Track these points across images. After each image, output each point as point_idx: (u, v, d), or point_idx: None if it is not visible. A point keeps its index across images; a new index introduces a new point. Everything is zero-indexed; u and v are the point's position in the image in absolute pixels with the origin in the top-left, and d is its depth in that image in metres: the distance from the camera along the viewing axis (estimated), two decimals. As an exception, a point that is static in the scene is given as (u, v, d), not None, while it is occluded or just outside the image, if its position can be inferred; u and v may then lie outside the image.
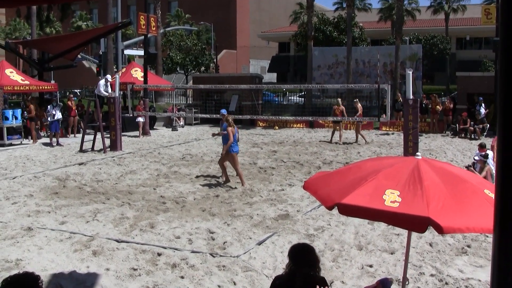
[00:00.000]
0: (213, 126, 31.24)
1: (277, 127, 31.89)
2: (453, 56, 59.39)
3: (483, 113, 27.47)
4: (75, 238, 10.16)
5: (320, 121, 28.78)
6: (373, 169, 5.17)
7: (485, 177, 13.17)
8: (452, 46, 59.99)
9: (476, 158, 14.36)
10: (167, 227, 10.86)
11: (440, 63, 55.23)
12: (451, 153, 21.76)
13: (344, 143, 24.84)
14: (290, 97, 42.36)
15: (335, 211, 5.07)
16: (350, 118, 24.74)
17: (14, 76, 27.96)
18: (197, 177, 16.55)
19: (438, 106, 29.39)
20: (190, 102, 40.89)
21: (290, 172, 17.22)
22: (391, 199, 4.64)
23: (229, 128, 14.54)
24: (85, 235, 10.32)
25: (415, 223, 4.48)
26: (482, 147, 14.51)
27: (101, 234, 10.40)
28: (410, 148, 17.89)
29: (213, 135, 17.29)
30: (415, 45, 45.80)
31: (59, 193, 14.26)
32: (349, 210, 4.76)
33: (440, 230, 4.37)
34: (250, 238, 10.16)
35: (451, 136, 27.50)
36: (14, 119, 24.83)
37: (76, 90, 54.15)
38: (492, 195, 4.77)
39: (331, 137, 25.38)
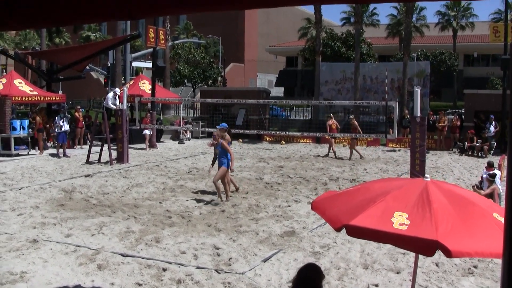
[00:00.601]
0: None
1: (283, 142, 31.87)
2: (460, 73, 59.42)
3: (492, 131, 27.39)
4: (80, 252, 10.15)
5: (327, 137, 28.72)
6: (382, 190, 5.16)
7: (490, 195, 13.12)
8: (460, 63, 60.03)
9: (484, 176, 14.32)
10: (172, 242, 10.84)
11: (447, 80, 55.26)
12: (458, 171, 21.69)
13: (339, 158, 24.82)
14: (297, 113, 42.36)
15: (341, 230, 5.05)
16: (347, 134, 24.73)
17: (22, 86, 28.13)
18: (203, 191, 16.54)
19: (441, 123, 29.30)
20: (197, 115, 40.96)
21: (296, 188, 17.18)
22: (400, 221, 4.62)
23: (224, 143, 14.52)
24: (91, 249, 10.31)
25: (424, 247, 4.46)
26: (490, 165, 14.45)
27: (106, 248, 10.38)
28: (417, 165, 17.84)
29: (211, 144, 16.61)
30: (423, 61, 45.83)
31: (65, 205, 14.26)
32: (357, 232, 4.74)
33: (448, 254, 4.34)
34: (256, 254, 10.12)
35: (458, 154, 27.41)
36: (21, 129, 24.91)
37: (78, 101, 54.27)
38: (501, 219, 4.74)
39: (329, 152, 25.33)
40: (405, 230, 4.53)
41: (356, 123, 25.34)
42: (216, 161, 15.22)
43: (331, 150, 26.01)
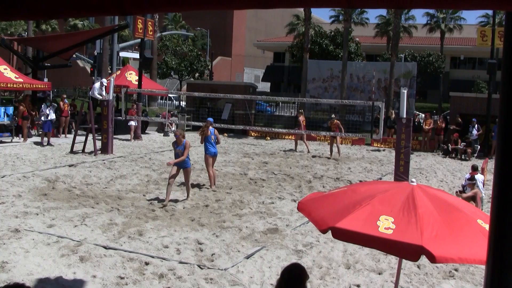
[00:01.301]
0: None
1: (268, 138, 31.91)
2: (446, 75, 59.75)
3: (475, 134, 27.57)
4: (63, 243, 10.11)
5: (312, 135, 28.80)
6: (368, 193, 5.18)
7: (472, 198, 13.23)
8: (446, 65, 60.35)
9: (464, 182, 14.44)
10: (155, 236, 10.83)
11: (433, 81, 55.53)
12: (441, 173, 21.82)
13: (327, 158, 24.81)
14: (283, 109, 42.36)
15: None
16: (343, 133, 24.77)
17: (8, 73, 27.83)
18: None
19: (426, 126, 29.49)
20: (183, 107, 40.88)
21: (280, 185, 17.20)
22: (385, 225, 4.65)
23: (188, 144, 14.25)
24: (73, 240, 10.28)
25: (408, 251, 4.49)
26: (474, 169, 14.55)
27: (89, 240, 10.35)
28: (401, 166, 17.91)
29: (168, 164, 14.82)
30: (410, 62, 45.98)
31: (48, 195, 14.19)
32: (342, 235, 4.76)
33: (432, 259, 4.38)
34: (239, 251, 10.13)
35: (441, 156, 27.58)
36: (5, 116, 24.73)
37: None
38: (485, 226, 4.79)
39: (331, 153, 25.17)
40: (391, 234, 4.55)
41: (338, 122, 25.27)
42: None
43: (304, 146, 26.61)
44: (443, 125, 29.65)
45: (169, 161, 14.50)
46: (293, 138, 30.82)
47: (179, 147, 13.98)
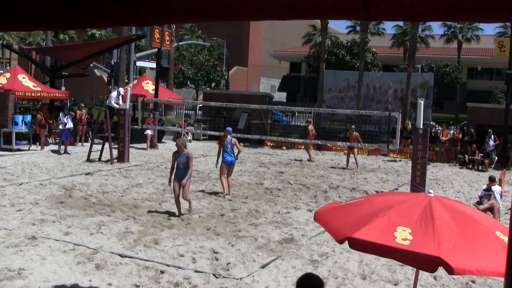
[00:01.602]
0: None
1: (284, 148, 31.88)
2: (463, 85, 59.47)
3: (491, 145, 27.38)
4: (79, 250, 10.15)
5: (328, 145, 28.75)
6: (385, 204, 5.16)
7: (490, 209, 13.13)
8: (463, 75, 60.08)
9: (480, 193, 14.33)
10: (171, 244, 10.84)
11: (450, 92, 55.30)
12: (458, 184, 21.68)
13: (343, 168, 24.68)
14: (299, 119, 42.31)
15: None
16: (361, 144, 24.66)
17: (26, 82, 28.15)
18: (203, 194, 16.53)
19: (443, 137, 29.33)
20: (199, 118, 41.00)
21: (296, 195, 17.17)
22: (403, 236, 4.62)
23: (190, 152, 13.64)
24: (89, 248, 10.31)
25: (426, 263, 4.46)
26: (491, 180, 14.44)
27: (104, 248, 10.38)
28: (418, 177, 17.82)
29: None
30: (426, 73, 45.86)
31: (64, 203, 14.26)
32: (359, 245, 4.74)
33: (450, 271, 4.34)
34: (254, 260, 10.11)
35: (458, 167, 27.40)
36: (23, 124, 24.93)
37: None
38: (504, 238, 4.75)
39: (347, 163, 25.08)
40: (408, 245, 4.53)
41: (357, 134, 25.00)
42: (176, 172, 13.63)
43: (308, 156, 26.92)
44: (460, 136, 29.47)
45: (183, 180, 13.29)
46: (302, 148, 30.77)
47: (180, 157, 13.34)
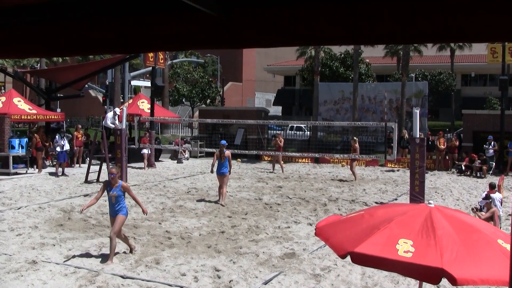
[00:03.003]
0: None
1: (282, 162, 31.89)
2: (458, 93, 59.55)
3: (491, 152, 27.41)
4: (80, 273, 10.10)
5: (326, 157, 28.75)
6: (386, 217, 5.15)
7: (490, 219, 13.10)
8: (457, 83, 60.20)
9: (480, 202, 14.28)
10: (172, 264, 10.80)
11: (445, 99, 55.37)
12: (457, 191, 21.68)
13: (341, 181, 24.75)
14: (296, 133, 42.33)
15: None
16: (347, 155, 24.82)
17: (21, 105, 28.12)
18: (202, 212, 16.51)
19: (441, 145, 29.36)
20: (196, 135, 41.00)
21: (295, 209, 17.15)
22: (405, 249, 4.61)
23: (126, 185, 11.65)
24: (90, 270, 10.26)
25: (429, 274, 4.46)
26: (491, 187, 14.41)
27: (106, 270, 10.33)
28: (417, 186, 17.81)
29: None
30: (421, 82, 45.96)
31: (64, 225, 14.21)
32: (362, 259, 4.74)
33: (454, 282, 4.34)
34: (256, 277, 10.08)
35: (456, 174, 27.42)
36: (20, 148, 24.89)
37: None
38: (506, 246, 4.74)
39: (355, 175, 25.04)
40: (410, 258, 4.52)
41: (356, 145, 25.03)
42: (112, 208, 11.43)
43: (276, 167, 27.55)
44: (457, 143, 29.52)
45: (84, 205, 11.63)
46: (307, 161, 30.73)
47: (113, 189, 10.96)
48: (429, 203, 5.41)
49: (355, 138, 26.44)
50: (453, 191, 21.70)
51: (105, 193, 11.32)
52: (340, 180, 24.53)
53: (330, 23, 2.97)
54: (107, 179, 11.13)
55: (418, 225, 4.89)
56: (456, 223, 5.02)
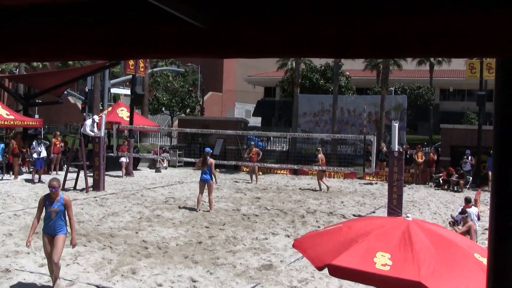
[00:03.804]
0: (196, 169, 31.16)
1: (260, 173, 31.85)
2: (436, 107, 60.10)
3: (468, 166, 27.65)
4: (55, 282, 9.97)
5: (304, 169, 28.81)
6: (364, 230, 5.16)
7: (467, 233, 13.18)
8: (436, 97, 60.73)
9: (456, 217, 14.36)
10: (149, 274, 10.71)
11: (423, 113, 55.84)
12: (434, 205, 21.82)
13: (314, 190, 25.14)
14: (275, 144, 42.37)
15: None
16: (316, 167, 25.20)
17: (-1, 110, 27.88)
18: (180, 222, 16.42)
19: (419, 159, 29.59)
20: (175, 144, 40.87)
21: (273, 220, 17.12)
22: (382, 262, 4.61)
23: (69, 202, 9.90)
24: (65, 279, 10.13)
25: (406, 288, 4.45)
26: (467, 202, 14.51)
27: (81, 279, 10.22)
28: (394, 200, 17.91)
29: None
30: (400, 96, 46.33)
31: (39, 233, 13.95)
32: (339, 272, 4.73)
33: (430, 295, 4.33)
34: (233, 288, 10.04)
35: (434, 188, 27.61)
36: (-4, 154, 24.65)
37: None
38: (483, 259, 4.76)
39: (320, 186, 25.41)
40: (388, 271, 4.52)
41: (322, 156, 25.52)
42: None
43: (253, 178, 27.74)
44: (435, 157, 29.76)
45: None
46: (286, 173, 30.76)
47: (54, 204, 9.47)
48: (407, 217, 5.42)
49: (319, 148, 26.77)
50: (430, 205, 21.83)
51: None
52: (313, 190, 24.60)
53: (313, 36, 2.97)
54: (47, 193, 9.63)
55: (396, 239, 4.90)
56: (433, 236, 5.04)
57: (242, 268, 11.35)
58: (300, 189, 25.60)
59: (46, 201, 9.53)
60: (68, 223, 9.64)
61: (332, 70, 44.59)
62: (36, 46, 3.58)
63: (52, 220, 9.47)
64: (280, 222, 16.95)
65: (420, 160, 29.68)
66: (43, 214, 9.67)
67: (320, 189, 25.05)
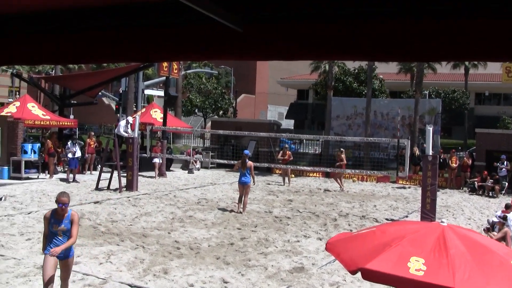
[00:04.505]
0: (229, 171, 31.21)
1: (293, 175, 31.76)
2: (471, 111, 59.34)
3: (504, 171, 27.25)
4: (88, 280, 10.09)
5: (337, 172, 28.68)
6: (398, 234, 5.11)
7: (502, 239, 13.00)
8: (471, 101, 59.96)
9: (495, 219, 14.15)
10: (180, 274, 10.76)
11: (458, 117, 55.16)
12: (469, 210, 21.54)
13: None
14: (307, 146, 42.30)
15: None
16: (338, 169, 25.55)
17: (35, 110, 28.35)
18: (212, 223, 16.47)
19: (454, 163, 29.26)
20: (208, 146, 41.03)
21: (305, 223, 17.08)
22: (416, 267, 4.57)
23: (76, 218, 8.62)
24: (98, 278, 10.24)
25: (440, 294, 4.40)
26: (507, 207, 14.29)
27: (114, 278, 10.32)
28: (428, 204, 17.74)
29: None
30: (434, 99, 45.84)
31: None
32: (372, 276, 4.70)
33: (465, 302, 4.28)
34: (264, 290, 10.03)
35: (468, 193, 27.26)
36: (32, 153, 25.01)
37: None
38: (520, 267, 4.68)
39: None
40: (422, 276, 4.48)
41: (343, 156, 26.29)
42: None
43: (286, 181, 27.97)
44: (469, 162, 29.38)
45: (55, 248, 7.88)
46: (318, 175, 30.68)
47: (62, 222, 8.13)
48: (442, 222, 5.36)
49: (341, 149, 26.94)
50: (464, 210, 21.56)
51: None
52: (329, 190, 24.48)
53: (347, 39, 2.97)
54: (52, 210, 8.32)
55: (431, 244, 4.85)
56: (469, 242, 4.97)
57: (274, 270, 11.33)
58: (326, 190, 25.69)
59: (52, 219, 8.06)
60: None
61: (366, 73, 44.36)
62: (74, 49, 3.64)
63: (60, 239, 8.04)
64: (312, 225, 16.91)
65: (454, 164, 29.35)
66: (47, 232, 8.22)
67: (341, 189, 26.05)
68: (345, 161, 26.21)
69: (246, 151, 19.19)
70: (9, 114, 26.98)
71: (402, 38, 2.75)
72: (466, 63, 58.92)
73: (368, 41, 2.87)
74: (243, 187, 18.33)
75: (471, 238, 5.14)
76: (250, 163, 18.40)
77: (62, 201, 8.05)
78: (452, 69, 61.50)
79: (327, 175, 31.55)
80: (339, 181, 26.33)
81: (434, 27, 2.63)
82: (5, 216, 16.01)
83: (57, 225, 7.94)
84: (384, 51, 2.90)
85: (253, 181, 18.96)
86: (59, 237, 8.02)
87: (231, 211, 18.39)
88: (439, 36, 2.63)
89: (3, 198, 18.63)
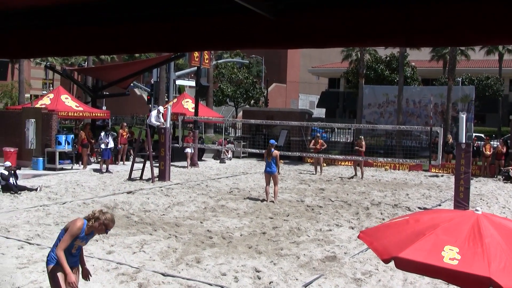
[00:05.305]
0: (260, 160, 31.24)
1: (325, 164, 31.67)
2: (505, 98, 58.38)
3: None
4: (122, 269, 10.19)
5: (369, 161, 28.50)
6: (432, 223, 5.05)
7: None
8: (505, 88, 58.97)
9: None
10: (213, 263, 10.82)
11: (492, 104, 54.32)
12: (503, 199, 21.25)
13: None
14: (339, 135, 42.14)
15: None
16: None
17: (69, 102, 28.69)
18: (244, 212, 16.52)
19: (487, 151, 28.86)
20: (239, 135, 41.11)
21: (337, 212, 17.03)
22: (450, 256, 4.52)
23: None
24: (132, 267, 10.35)
25: (475, 283, 4.35)
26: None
27: (147, 267, 10.41)
28: (461, 193, 17.55)
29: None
30: (467, 86, 45.22)
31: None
32: (406, 265, 4.66)
33: (501, 291, 4.22)
34: (297, 279, 10.02)
35: (503, 181, 26.88)
36: (66, 144, 25.34)
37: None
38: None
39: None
40: (456, 265, 4.42)
41: (363, 143, 26.35)
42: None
43: (318, 169, 28.00)
44: (504, 150, 28.96)
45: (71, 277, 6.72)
46: (350, 164, 30.55)
47: (86, 237, 6.96)
48: (476, 210, 5.29)
49: (361, 137, 26.93)
50: (499, 199, 21.27)
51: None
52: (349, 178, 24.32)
53: (381, 25, 2.93)
54: (84, 222, 6.87)
55: (465, 232, 4.79)
56: (504, 231, 4.89)
57: (306, 259, 11.32)
58: (348, 178, 25.47)
59: (82, 233, 6.83)
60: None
61: (397, 61, 43.94)
62: (106, 41, 3.66)
63: (73, 254, 6.97)
64: (344, 213, 16.85)
65: (488, 152, 28.96)
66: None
67: (356, 175, 26.53)
68: (363, 149, 26.24)
69: (272, 141, 19.19)
70: (43, 106, 27.39)
71: (439, 22, 2.70)
72: (500, 48, 57.93)
73: (409, 26, 2.84)
74: (270, 176, 18.36)
75: (506, 226, 5.07)
76: (276, 152, 18.33)
77: (110, 227, 7.04)
78: (486, 55, 60.52)
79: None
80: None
81: (469, 9, 2.59)
82: (41, 206, 16.26)
83: (82, 240, 6.91)
84: (416, 37, 2.86)
85: (278, 171, 18.90)
86: (73, 251, 6.95)
87: (263, 200, 18.40)
88: (474, 19, 2.59)
89: (38, 189, 18.92)
